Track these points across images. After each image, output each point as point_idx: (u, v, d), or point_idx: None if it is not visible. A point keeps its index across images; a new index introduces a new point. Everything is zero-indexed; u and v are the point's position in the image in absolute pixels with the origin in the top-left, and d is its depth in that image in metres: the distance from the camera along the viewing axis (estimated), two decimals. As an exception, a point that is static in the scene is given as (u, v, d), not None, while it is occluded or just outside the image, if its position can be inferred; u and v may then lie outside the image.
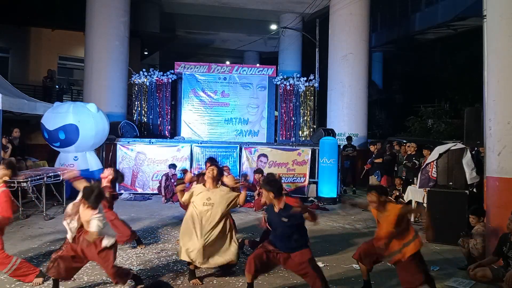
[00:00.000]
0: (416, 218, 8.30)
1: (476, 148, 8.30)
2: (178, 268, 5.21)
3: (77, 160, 9.77)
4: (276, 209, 4.17)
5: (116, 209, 8.83)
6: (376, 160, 10.53)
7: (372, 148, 10.88)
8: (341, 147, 11.83)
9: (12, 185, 7.29)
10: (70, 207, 4.26)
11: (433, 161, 7.31)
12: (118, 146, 10.93)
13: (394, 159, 10.69)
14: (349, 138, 12.77)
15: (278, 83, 13.47)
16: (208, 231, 4.62)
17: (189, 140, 11.93)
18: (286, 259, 4.20)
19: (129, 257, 5.59)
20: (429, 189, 7.12)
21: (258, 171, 9.43)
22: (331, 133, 11.17)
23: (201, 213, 4.66)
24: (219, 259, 4.72)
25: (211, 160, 5.77)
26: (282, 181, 10.79)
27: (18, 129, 9.86)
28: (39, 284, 4.48)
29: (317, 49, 16.88)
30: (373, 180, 10.10)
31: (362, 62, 14.32)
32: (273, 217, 4.24)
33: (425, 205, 7.30)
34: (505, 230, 4.60)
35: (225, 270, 4.99)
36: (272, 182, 4.21)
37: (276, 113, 13.82)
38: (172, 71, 13.31)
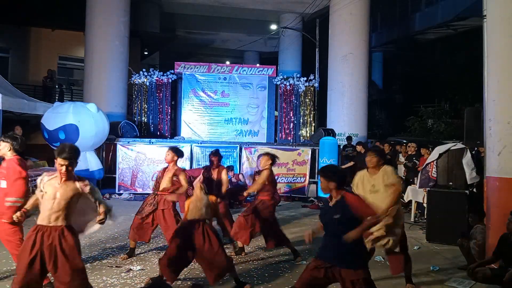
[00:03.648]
0: (416, 218, 8.31)
1: (476, 148, 8.30)
2: (178, 268, 5.20)
3: (77, 160, 9.75)
4: (332, 203, 3.49)
5: (116, 209, 8.87)
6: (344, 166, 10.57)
7: (358, 148, 10.68)
8: (341, 147, 11.82)
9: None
10: None
11: (433, 161, 7.31)
12: (118, 146, 10.93)
13: (394, 159, 10.68)
14: (349, 138, 12.76)
15: (278, 83, 13.47)
16: None
17: (189, 140, 11.94)
18: (339, 274, 3.32)
19: (129, 257, 5.58)
20: (429, 189, 7.12)
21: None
22: (331, 133, 11.17)
23: None
24: None
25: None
26: (282, 181, 10.81)
27: (19, 127, 9.84)
28: None
29: (317, 49, 16.87)
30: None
31: (362, 62, 14.31)
32: (326, 213, 3.54)
33: (425, 205, 7.31)
34: (505, 230, 4.60)
35: None
36: (336, 172, 3.57)
37: (276, 113, 13.82)
38: (172, 71, 13.32)
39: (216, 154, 6.60)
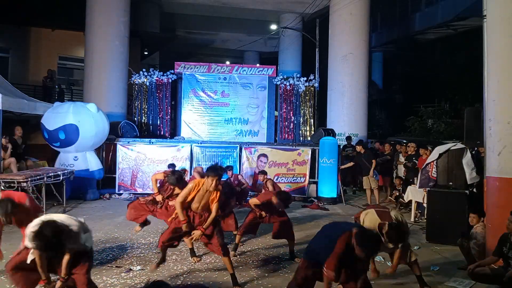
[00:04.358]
0: (416, 218, 8.31)
1: (476, 148, 8.29)
2: (177, 268, 5.21)
3: (77, 160, 9.77)
4: None
5: (116, 209, 8.89)
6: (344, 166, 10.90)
7: (358, 148, 10.71)
8: (341, 147, 11.82)
9: (12, 185, 7.31)
10: None
11: (433, 161, 7.31)
12: (118, 146, 10.93)
13: (393, 158, 10.68)
14: (348, 138, 12.76)
15: (278, 83, 13.47)
16: None
17: (189, 140, 11.93)
18: None
19: (129, 257, 5.59)
20: (429, 189, 7.12)
21: (262, 172, 9.30)
22: (331, 133, 11.16)
23: None
24: None
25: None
26: (282, 181, 10.80)
27: (20, 127, 9.85)
28: None
29: (317, 49, 16.87)
30: (367, 180, 10.03)
31: (362, 62, 14.32)
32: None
33: (425, 205, 7.31)
34: (505, 230, 4.60)
35: None
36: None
37: (276, 113, 13.82)
38: (172, 71, 13.31)
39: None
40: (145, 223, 5.84)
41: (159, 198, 5.72)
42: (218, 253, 4.66)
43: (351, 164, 10.91)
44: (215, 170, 4.61)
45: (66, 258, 3.62)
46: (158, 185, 6.07)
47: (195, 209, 4.67)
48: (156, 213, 5.76)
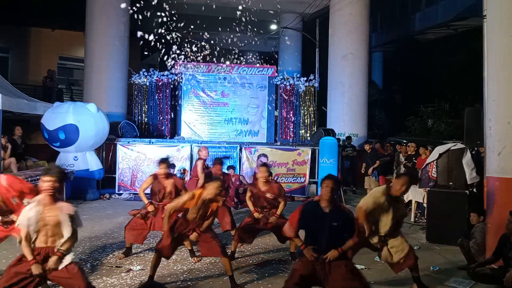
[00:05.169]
0: (416, 218, 8.31)
1: (476, 148, 8.29)
2: (177, 268, 5.21)
3: (77, 160, 9.77)
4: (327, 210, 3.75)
5: (116, 209, 8.89)
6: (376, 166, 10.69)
7: (366, 147, 10.78)
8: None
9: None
10: None
11: (433, 161, 7.31)
12: (118, 146, 10.93)
13: (393, 159, 10.68)
14: (348, 138, 12.77)
15: (278, 83, 13.48)
16: None
17: (189, 140, 11.93)
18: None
19: (129, 257, 5.59)
20: (429, 189, 7.12)
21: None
22: (331, 133, 11.17)
23: None
24: None
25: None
26: (282, 181, 10.80)
27: (20, 127, 9.84)
28: None
29: (317, 49, 16.87)
30: (370, 181, 10.04)
31: (362, 62, 14.31)
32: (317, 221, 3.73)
33: (425, 205, 7.31)
34: (505, 230, 4.60)
35: None
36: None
37: (276, 113, 13.82)
38: (172, 71, 13.32)
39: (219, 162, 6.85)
40: (129, 251, 5.64)
41: (151, 208, 5.54)
42: (217, 254, 4.62)
43: (377, 164, 10.73)
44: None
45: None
46: (149, 191, 5.88)
47: (191, 219, 4.57)
48: (154, 226, 5.57)
